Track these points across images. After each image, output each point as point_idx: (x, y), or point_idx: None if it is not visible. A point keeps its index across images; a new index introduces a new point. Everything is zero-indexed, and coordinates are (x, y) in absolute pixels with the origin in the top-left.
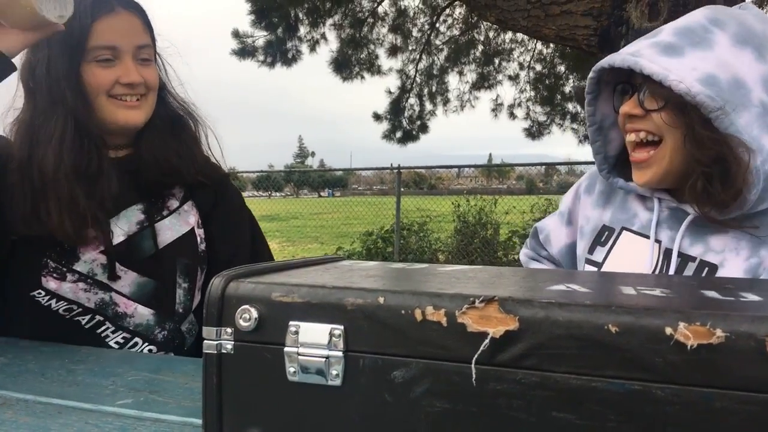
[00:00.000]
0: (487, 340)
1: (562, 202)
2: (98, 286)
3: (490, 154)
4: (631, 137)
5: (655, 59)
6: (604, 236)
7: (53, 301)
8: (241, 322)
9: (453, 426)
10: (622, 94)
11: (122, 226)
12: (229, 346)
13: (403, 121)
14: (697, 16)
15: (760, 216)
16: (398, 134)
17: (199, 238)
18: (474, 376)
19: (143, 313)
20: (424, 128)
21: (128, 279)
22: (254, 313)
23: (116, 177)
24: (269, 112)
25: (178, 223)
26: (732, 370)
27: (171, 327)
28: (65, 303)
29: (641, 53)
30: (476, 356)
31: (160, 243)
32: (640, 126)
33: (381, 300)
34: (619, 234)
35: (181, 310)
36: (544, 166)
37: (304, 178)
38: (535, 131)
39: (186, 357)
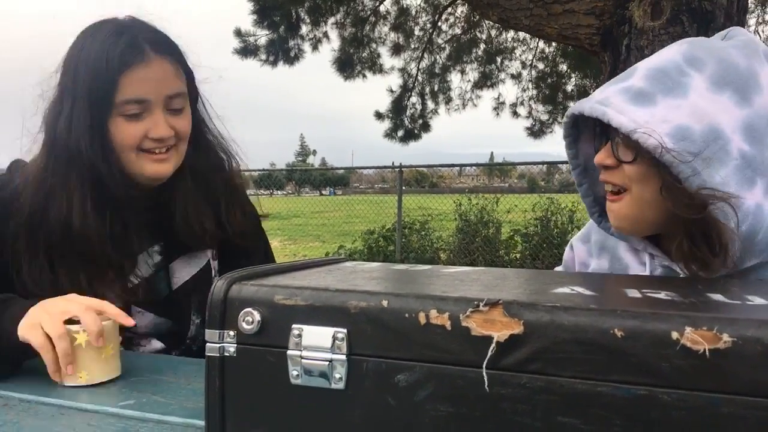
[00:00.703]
0: (493, 345)
1: (564, 258)
2: None
3: (492, 153)
4: (606, 187)
5: (624, 109)
6: None
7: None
8: (244, 325)
9: (457, 430)
10: (602, 136)
11: (139, 270)
12: (231, 348)
13: (405, 120)
14: (672, 55)
15: (750, 273)
16: (400, 133)
17: (213, 271)
18: (478, 380)
19: (155, 345)
20: (425, 127)
21: (145, 320)
22: (257, 316)
23: (136, 232)
24: (271, 110)
25: (195, 258)
26: (739, 375)
27: (180, 351)
28: None
29: (610, 101)
30: (480, 358)
31: (175, 283)
32: (610, 178)
33: (385, 303)
34: None
35: (191, 343)
36: (545, 165)
37: (306, 176)
38: (537, 130)
39: (188, 358)
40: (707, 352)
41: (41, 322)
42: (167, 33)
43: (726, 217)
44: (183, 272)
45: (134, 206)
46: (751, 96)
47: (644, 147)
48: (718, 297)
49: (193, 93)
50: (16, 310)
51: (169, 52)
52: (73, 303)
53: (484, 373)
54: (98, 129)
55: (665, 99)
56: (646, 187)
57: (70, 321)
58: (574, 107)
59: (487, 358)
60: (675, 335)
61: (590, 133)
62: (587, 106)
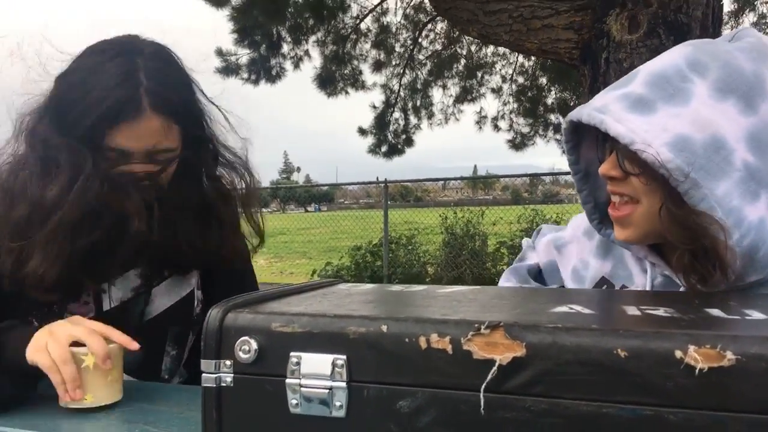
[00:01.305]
0: (494, 368)
1: (567, 229)
2: None
3: (475, 166)
4: (614, 198)
5: (623, 117)
6: (603, 288)
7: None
8: (241, 354)
9: None
10: (604, 142)
11: (117, 292)
12: (228, 378)
13: (388, 135)
14: (675, 58)
15: (751, 288)
16: (384, 148)
17: (196, 301)
18: (482, 404)
19: (127, 379)
20: (409, 142)
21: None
22: (254, 345)
23: (119, 254)
24: (254, 128)
25: (177, 285)
26: (744, 392)
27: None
28: None
29: (608, 108)
30: (484, 385)
31: (154, 311)
32: (619, 189)
33: (384, 328)
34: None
35: (166, 376)
36: (529, 177)
37: (290, 193)
38: (519, 142)
39: (181, 385)
40: (711, 371)
41: (47, 346)
42: (174, 68)
43: (727, 233)
44: (164, 299)
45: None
46: (756, 103)
47: (643, 158)
48: (716, 312)
49: (192, 132)
50: (23, 332)
51: (167, 109)
52: (78, 327)
53: (481, 396)
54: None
55: (665, 106)
56: (655, 200)
57: (75, 344)
58: (573, 113)
59: (486, 382)
60: (679, 354)
61: (592, 138)
62: (585, 112)
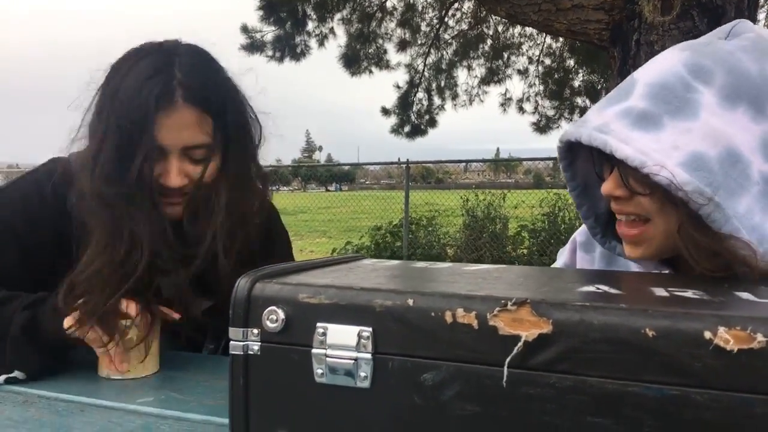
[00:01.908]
0: (520, 343)
1: (560, 257)
2: None
3: (498, 149)
4: (620, 216)
5: (628, 137)
6: None
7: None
8: (268, 323)
9: (484, 430)
10: (602, 155)
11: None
12: (255, 347)
13: (411, 116)
14: (674, 65)
15: None
16: (406, 128)
17: None
18: (506, 379)
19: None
20: (432, 122)
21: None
22: (281, 314)
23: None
24: (277, 106)
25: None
26: None
27: None
28: None
29: (610, 127)
30: (509, 359)
31: (198, 308)
32: (626, 209)
33: (410, 302)
34: None
35: (207, 353)
36: (552, 161)
37: (312, 172)
38: (544, 125)
39: (209, 355)
40: (741, 353)
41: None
42: (210, 66)
43: (757, 253)
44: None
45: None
46: (766, 107)
47: (656, 181)
48: (747, 296)
49: (228, 133)
50: (58, 308)
51: (200, 102)
52: (130, 305)
53: (505, 371)
54: (128, 161)
55: (673, 121)
56: (668, 219)
57: None
58: (570, 133)
59: (510, 356)
60: (708, 335)
61: (587, 150)
62: (585, 133)
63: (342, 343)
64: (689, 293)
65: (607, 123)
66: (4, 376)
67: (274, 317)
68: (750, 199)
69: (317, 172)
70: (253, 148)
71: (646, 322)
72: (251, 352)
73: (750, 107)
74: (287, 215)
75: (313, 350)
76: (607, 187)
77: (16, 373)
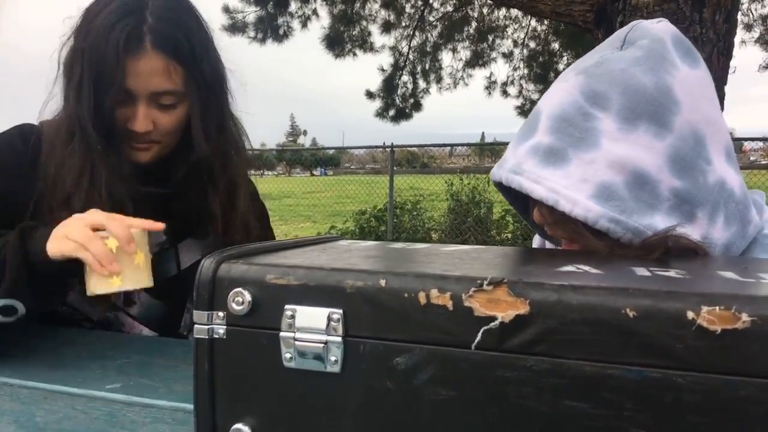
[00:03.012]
0: (495, 323)
1: (535, 242)
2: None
3: (483, 133)
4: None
5: (538, 176)
6: None
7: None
8: (234, 306)
9: (458, 415)
10: None
11: None
12: (221, 330)
13: (396, 99)
14: (572, 94)
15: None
16: (391, 112)
17: None
18: (481, 362)
19: (146, 335)
20: (417, 106)
21: (139, 300)
22: (248, 297)
23: (140, 211)
24: (261, 90)
25: (201, 244)
26: (758, 356)
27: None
28: (69, 309)
29: (522, 168)
30: (483, 341)
31: (176, 268)
32: (555, 232)
33: (382, 282)
34: None
35: (185, 333)
36: None
37: (296, 156)
38: (528, 109)
39: (177, 339)
40: (725, 333)
41: (67, 234)
42: (184, 14)
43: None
44: (186, 257)
45: (138, 184)
46: (668, 120)
47: (572, 216)
48: (730, 275)
49: (205, 83)
50: (42, 231)
51: (170, 49)
52: (96, 214)
53: (480, 354)
54: (99, 107)
55: (577, 153)
56: (595, 237)
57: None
58: (493, 174)
59: (483, 338)
60: (690, 315)
61: None
62: (503, 175)
63: (311, 326)
64: (672, 272)
65: (520, 163)
66: (2, 302)
67: (240, 299)
68: (662, 215)
69: (302, 157)
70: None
71: (627, 302)
72: (216, 336)
73: (651, 124)
74: (272, 200)
75: (281, 333)
76: (536, 216)
77: (14, 303)
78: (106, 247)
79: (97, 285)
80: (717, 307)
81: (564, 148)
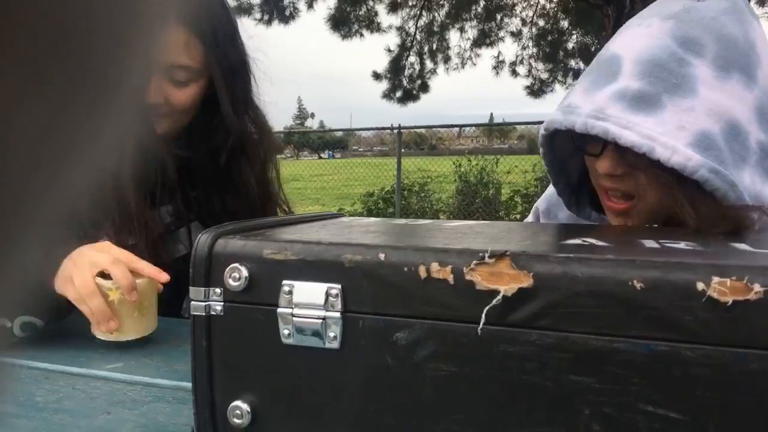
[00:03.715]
0: (498, 297)
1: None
2: None
3: (492, 114)
4: (610, 192)
5: (628, 122)
6: None
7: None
8: (231, 282)
9: (460, 391)
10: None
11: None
12: (218, 307)
13: (403, 80)
14: (662, 39)
15: None
16: (398, 93)
17: None
18: (483, 337)
19: None
20: (424, 87)
21: None
22: (244, 272)
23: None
24: (268, 72)
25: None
26: None
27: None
28: None
29: (607, 113)
30: (486, 314)
31: (181, 250)
32: (620, 186)
33: (382, 256)
34: None
35: (186, 315)
36: None
37: (304, 139)
38: (537, 89)
39: (180, 319)
40: (736, 305)
41: (72, 277)
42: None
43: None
44: (189, 240)
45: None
46: (755, 72)
47: (668, 166)
48: (743, 246)
49: (226, 68)
50: (52, 258)
51: (192, 24)
52: (102, 255)
53: (482, 328)
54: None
55: (673, 100)
56: (661, 192)
57: (102, 274)
58: (558, 121)
59: (486, 311)
60: (701, 286)
61: (564, 131)
62: (579, 121)
63: (309, 302)
64: (681, 244)
65: (602, 108)
66: (24, 319)
67: (237, 275)
68: (751, 169)
69: (309, 139)
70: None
71: (634, 274)
72: (213, 313)
73: (742, 75)
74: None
75: (279, 309)
76: (605, 166)
77: (35, 320)
78: (104, 305)
79: (96, 330)
80: (728, 278)
81: (658, 94)
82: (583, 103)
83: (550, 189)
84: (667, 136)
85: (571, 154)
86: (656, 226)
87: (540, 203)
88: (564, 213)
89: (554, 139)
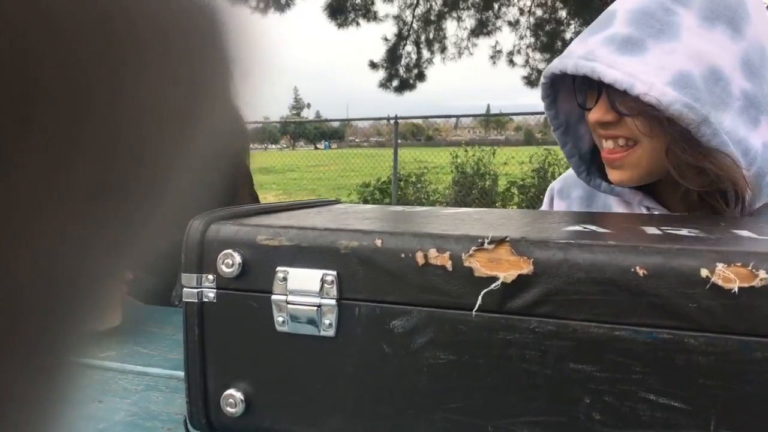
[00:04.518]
0: (497, 284)
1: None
2: None
3: (489, 105)
4: (607, 143)
5: (614, 62)
6: None
7: None
8: (224, 268)
9: (458, 379)
10: (583, 88)
11: None
12: (211, 294)
13: (399, 69)
14: None
15: (762, 215)
16: (395, 83)
17: None
18: (482, 324)
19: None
20: (421, 76)
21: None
22: (237, 258)
23: None
24: (263, 62)
25: None
26: None
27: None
28: None
29: (596, 55)
30: (483, 300)
31: None
32: (614, 132)
33: (378, 242)
34: None
35: (176, 303)
36: (543, 116)
37: (300, 129)
38: (535, 79)
39: (176, 308)
40: (741, 292)
41: None
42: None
43: (739, 172)
44: None
45: None
46: (742, 27)
47: (645, 101)
48: (746, 233)
49: None
50: None
51: None
52: None
53: (480, 316)
54: None
55: (657, 44)
56: (655, 139)
57: None
58: (554, 65)
59: (484, 298)
60: (705, 272)
61: (568, 89)
62: (570, 63)
63: (304, 289)
64: (684, 231)
65: (592, 50)
66: None
67: (230, 261)
68: (733, 114)
69: (306, 130)
70: None
71: (637, 260)
72: (206, 300)
73: (727, 27)
74: (276, 174)
75: (273, 296)
76: (596, 114)
77: None
78: None
79: None
80: (733, 265)
81: (643, 39)
82: (577, 49)
83: (569, 170)
84: (648, 74)
85: (577, 120)
86: (650, 204)
87: (555, 183)
88: (577, 191)
89: (558, 101)
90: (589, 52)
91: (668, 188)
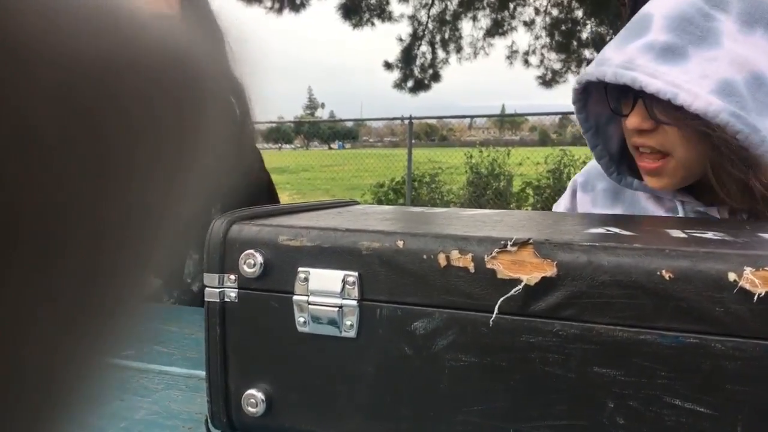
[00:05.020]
0: (519, 287)
1: (558, 205)
2: None
3: (503, 105)
4: (644, 150)
5: (655, 71)
6: None
7: None
8: (246, 268)
9: (480, 382)
10: (616, 92)
11: None
12: (232, 294)
13: (414, 70)
14: None
15: None
16: (409, 83)
17: None
18: (504, 327)
19: (153, 283)
20: (436, 77)
21: None
22: (259, 258)
23: None
24: (278, 62)
25: None
26: None
27: (178, 294)
28: None
29: (636, 63)
30: (506, 304)
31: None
32: (649, 141)
33: (400, 244)
34: None
35: (188, 280)
36: (558, 116)
37: (314, 129)
38: (550, 79)
39: (192, 307)
40: None
41: None
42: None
43: None
44: None
45: None
46: None
47: (691, 111)
48: None
49: None
50: None
51: None
52: None
53: (502, 318)
54: None
55: (698, 51)
56: (692, 148)
57: None
58: (590, 73)
59: (507, 301)
60: (732, 276)
61: (599, 92)
62: (609, 71)
63: (325, 289)
64: (709, 234)
65: (632, 59)
66: None
67: (251, 261)
68: None
69: (320, 129)
70: None
71: (663, 263)
72: (228, 300)
73: (767, 30)
74: (290, 173)
75: (295, 297)
76: (634, 121)
77: None
78: None
79: None
80: (761, 269)
81: (683, 46)
82: (614, 56)
83: (591, 163)
84: (691, 83)
85: (607, 122)
86: (684, 199)
87: (578, 176)
88: (602, 184)
89: (588, 104)
90: (628, 60)
91: (704, 188)
